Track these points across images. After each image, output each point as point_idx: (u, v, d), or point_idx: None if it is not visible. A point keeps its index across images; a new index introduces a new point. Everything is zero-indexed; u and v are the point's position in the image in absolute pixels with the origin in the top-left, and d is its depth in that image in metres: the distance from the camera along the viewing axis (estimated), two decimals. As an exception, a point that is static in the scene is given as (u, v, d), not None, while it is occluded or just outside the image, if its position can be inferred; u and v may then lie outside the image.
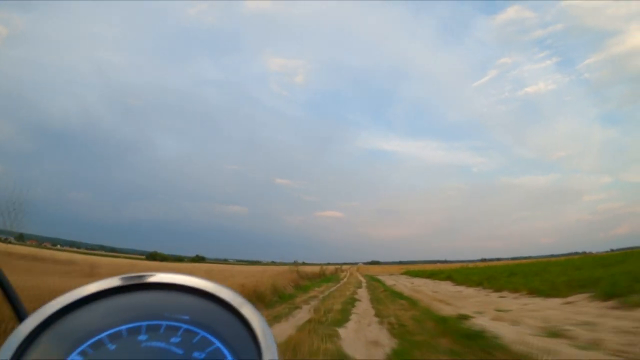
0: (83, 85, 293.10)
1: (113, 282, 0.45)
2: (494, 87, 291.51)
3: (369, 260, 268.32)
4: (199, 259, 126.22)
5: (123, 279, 0.45)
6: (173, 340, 0.39)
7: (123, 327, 0.41)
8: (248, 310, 0.41)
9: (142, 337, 0.40)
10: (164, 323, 0.41)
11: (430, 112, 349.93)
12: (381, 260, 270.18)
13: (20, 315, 0.66)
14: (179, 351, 0.38)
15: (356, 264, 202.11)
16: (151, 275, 0.46)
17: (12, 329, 0.40)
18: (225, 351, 0.38)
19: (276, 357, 0.37)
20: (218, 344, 0.39)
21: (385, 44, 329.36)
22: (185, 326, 0.41)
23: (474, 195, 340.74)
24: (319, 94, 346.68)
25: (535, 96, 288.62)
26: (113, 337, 0.40)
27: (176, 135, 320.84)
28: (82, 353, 0.38)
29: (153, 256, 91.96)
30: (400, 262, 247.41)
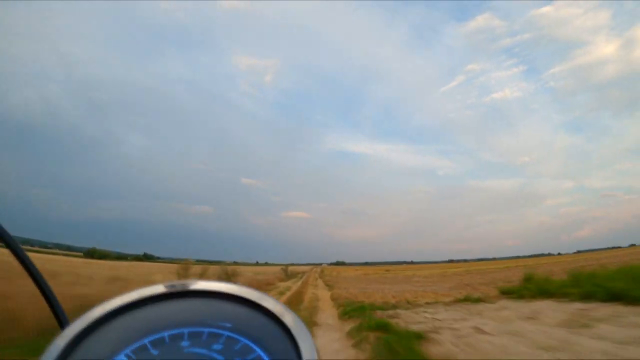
0: (46, 77, 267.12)
1: (156, 289, 0.46)
2: (462, 93, 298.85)
3: (334, 260, 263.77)
4: (146, 258, 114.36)
5: (165, 286, 0.46)
6: (215, 347, 0.40)
7: (165, 333, 0.42)
8: (290, 319, 0.41)
9: (184, 344, 0.41)
10: (206, 330, 0.42)
11: (398, 115, 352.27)
12: (347, 260, 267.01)
13: (62, 321, 0.68)
14: (220, 358, 0.39)
15: (320, 264, 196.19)
16: (193, 283, 0.46)
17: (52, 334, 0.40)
18: (266, 359, 0.39)
19: None
20: (259, 351, 0.39)
21: (356, 47, 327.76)
22: (227, 333, 0.42)
23: (440, 198, 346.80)
24: (288, 94, 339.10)
25: (502, 102, 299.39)
26: (156, 343, 0.41)
27: (142, 132, 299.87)
28: (125, 357, 0.39)
29: (91, 253, 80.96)
30: (366, 263, 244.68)
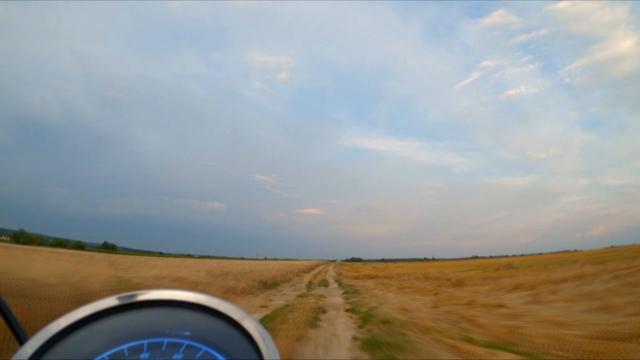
0: (63, 76, 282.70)
1: (111, 301, 0.45)
2: (477, 90, 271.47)
3: (349, 257, 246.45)
4: (108, 247, 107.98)
5: (120, 298, 0.45)
6: (175, 357, 0.39)
7: (124, 346, 0.41)
8: (250, 324, 0.40)
9: (144, 356, 0.40)
10: (166, 340, 0.41)
11: (413, 112, 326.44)
12: (363, 257, 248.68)
13: (20, 338, 0.66)
14: None
15: (334, 260, 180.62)
16: (148, 293, 0.45)
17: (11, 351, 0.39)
18: None
19: None
20: (221, 358, 0.39)
21: (371, 44, 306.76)
22: (187, 342, 0.41)
23: (455, 195, 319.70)
24: (303, 91, 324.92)
25: (517, 99, 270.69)
26: (115, 357, 0.40)
27: (157, 130, 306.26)
28: None
29: (16, 237, 74.60)
30: (383, 260, 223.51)
